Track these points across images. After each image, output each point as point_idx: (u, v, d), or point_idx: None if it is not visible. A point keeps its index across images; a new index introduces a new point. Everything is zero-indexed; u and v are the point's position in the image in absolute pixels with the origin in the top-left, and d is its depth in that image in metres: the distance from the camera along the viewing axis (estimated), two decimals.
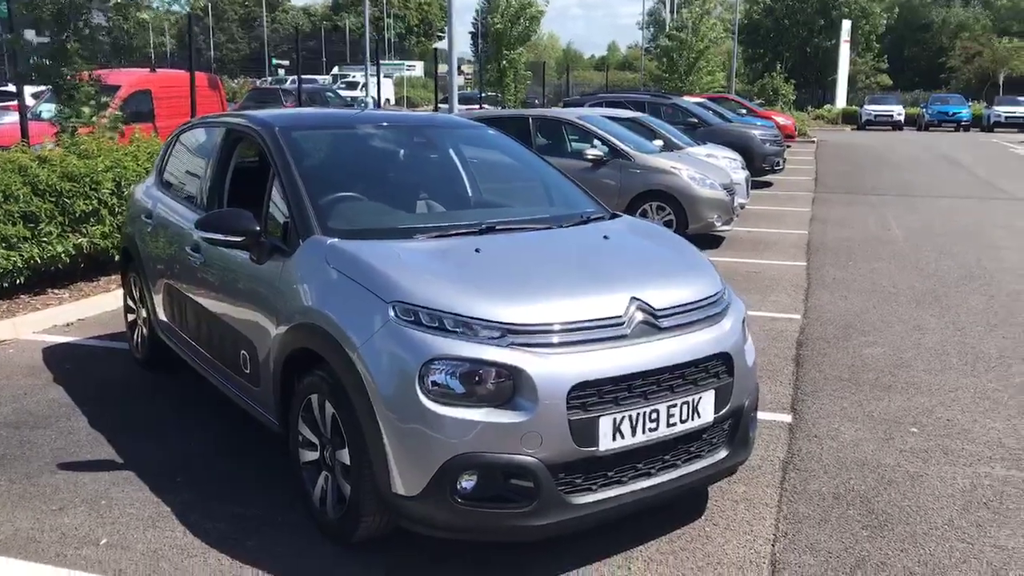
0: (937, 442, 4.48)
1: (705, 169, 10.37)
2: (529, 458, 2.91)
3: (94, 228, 7.19)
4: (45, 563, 3.28)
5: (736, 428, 3.46)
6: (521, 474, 2.93)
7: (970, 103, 42.79)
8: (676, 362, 3.18)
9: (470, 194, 4.65)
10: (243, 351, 3.92)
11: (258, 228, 3.74)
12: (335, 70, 58.55)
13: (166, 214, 4.97)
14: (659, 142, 11.37)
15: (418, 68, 66.27)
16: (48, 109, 10.25)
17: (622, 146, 10.22)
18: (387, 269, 3.25)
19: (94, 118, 9.00)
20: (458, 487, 2.93)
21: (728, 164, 11.87)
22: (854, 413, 4.88)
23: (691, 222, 9.75)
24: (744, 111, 23.14)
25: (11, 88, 13.47)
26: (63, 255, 6.90)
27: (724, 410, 3.35)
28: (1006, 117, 38.81)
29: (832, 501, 3.83)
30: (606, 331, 3.10)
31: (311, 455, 3.46)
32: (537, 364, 2.94)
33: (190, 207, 4.71)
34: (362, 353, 3.05)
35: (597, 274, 3.46)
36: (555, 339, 3.02)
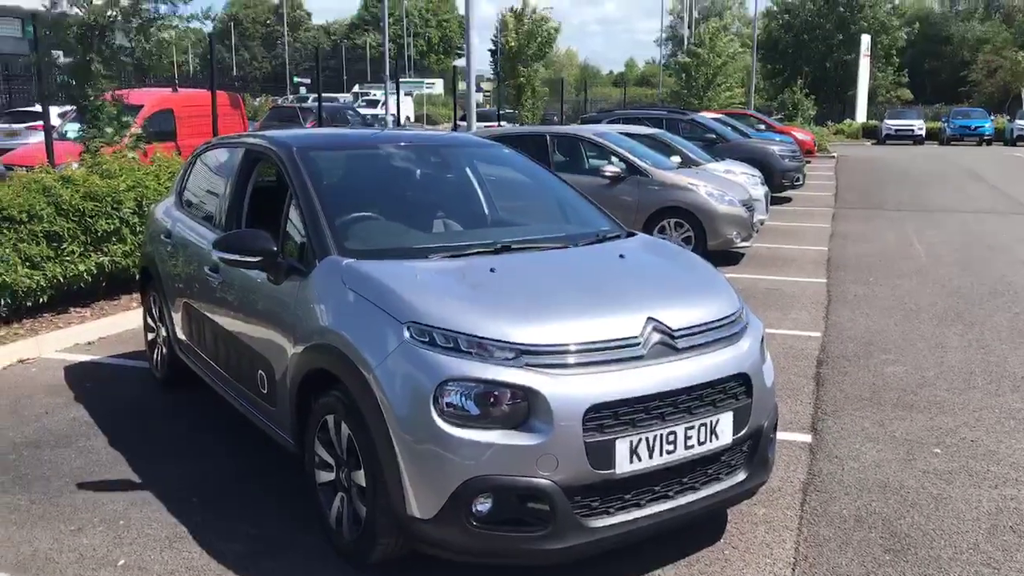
0: (961, 463, 4.41)
1: (724, 185, 10.34)
2: (545, 481, 2.89)
3: (116, 247, 7.27)
4: None
5: (755, 449, 3.42)
6: (537, 497, 2.91)
7: (992, 117, 42.41)
8: (694, 383, 3.15)
9: (486, 213, 4.65)
10: (260, 371, 3.93)
11: (275, 248, 3.75)
12: (355, 88, 59.03)
13: (185, 234, 5.01)
14: (677, 158, 11.35)
15: (438, 86, 66.63)
16: (73, 129, 10.40)
17: (639, 163, 10.22)
18: (402, 290, 3.25)
19: (117, 137, 9.12)
20: (473, 510, 2.91)
21: (747, 180, 11.83)
22: (876, 433, 4.81)
23: (710, 239, 9.71)
24: (763, 126, 23.08)
25: (38, 108, 13.67)
26: (85, 274, 6.98)
27: (743, 431, 3.31)
28: None
29: (854, 524, 3.77)
30: (622, 352, 3.08)
31: (327, 476, 3.46)
32: (552, 385, 2.92)
33: (209, 227, 4.74)
34: (377, 374, 3.05)
35: (613, 294, 3.44)
36: (571, 360, 3.01)
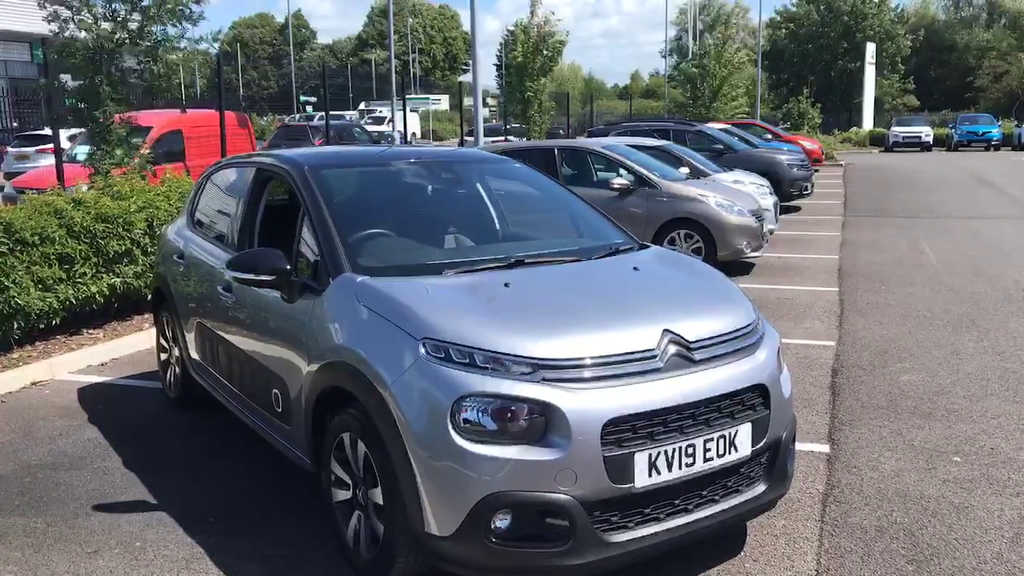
0: (981, 471, 4.36)
1: (733, 195, 10.32)
2: (564, 496, 2.87)
3: (127, 268, 7.30)
4: None
5: (774, 461, 3.40)
6: (556, 512, 2.89)
7: (1000, 122, 42.32)
8: (711, 395, 3.13)
9: (498, 228, 4.65)
10: (275, 390, 3.92)
11: (288, 267, 3.76)
12: (362, 105, 59.30)
13: (198, 254, 5.02)
14: (685, 169, 11.35)
15: (444, 102, 66.94)
16: (83, 152, 10.47)
17: (648, 174, 10.21)
18: (417, 306, 3.25)
19: (126, 159, 9.17)
20: (492, 526, 2.89)
21: (756, 190, 11.81)
22: (894, 442, 4.77)
23: (720, 249, 9.69)
24: (769, 136, 23.08)
25: (47, 132, 13.79)
26: (97, 295, 7.01)
27: (761, 443, 3.29)
28: None
29: (875, 534, 3.73)
30: (639, 365, 3.06)
31: (344, 494, 3.44)
32: (570, 400, 2.91)
33: (221, 247, 4.75)
34: (393, 391, 3.04)
35: (628, 307, 3.43)
36: (587, 374, 2.99)
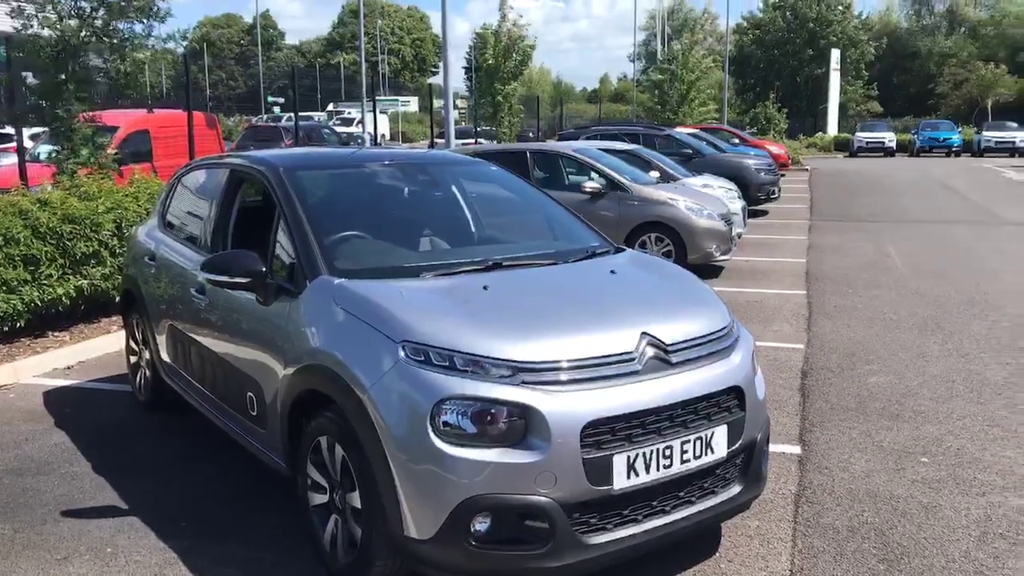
0: (949, 472, 4.45)
1: (702, 199, 10.42)
2: (543, 498, 2.88)
3: (95, 269, 7.18)
4: None
5: (749, 462, 3.43)
6: (536, 515, 2.89)
7: (960, 129, 43.18)
8: (688, 397, 3.16)
9: (474, 230, 4.65)
10: (249, 393, 3.89)
11: (264, 269, 3.73)
12: (330, 107, 58.92)
13: (169, 256, 4.96)
14: (655, 173, 11.43)
15: (413, 103, 66.69)
16: (46, 151, 10.29)
17: (619, 178, 10.28)
18: (396, 309, 3.24)
19: (92, 159, 9.02)
20: (472, 529, 2.89)
21: (724, 194, 11.93)
22: (863, 443, 4.85)
23: (690, 253, 9.77)
24: (737, 141, 23.32)
25: (9, 130, 13.52)
26: (64, 297, 6.88)
27: (737, 444, 3.32)
28: (996, 142, 39.14)
29: (847, 534, 3.79)
30: (618, 367, 3.08)
31: (320, 498, 3.42)
32: (549, 402, 2.92)
33: (194, 249, 4.70)
34: (372, 394, 3.03)
35: (607, 310, 3.45)
36: (567, 376, 3.00)
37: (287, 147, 16.90)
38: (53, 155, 9.15)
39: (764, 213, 16.83)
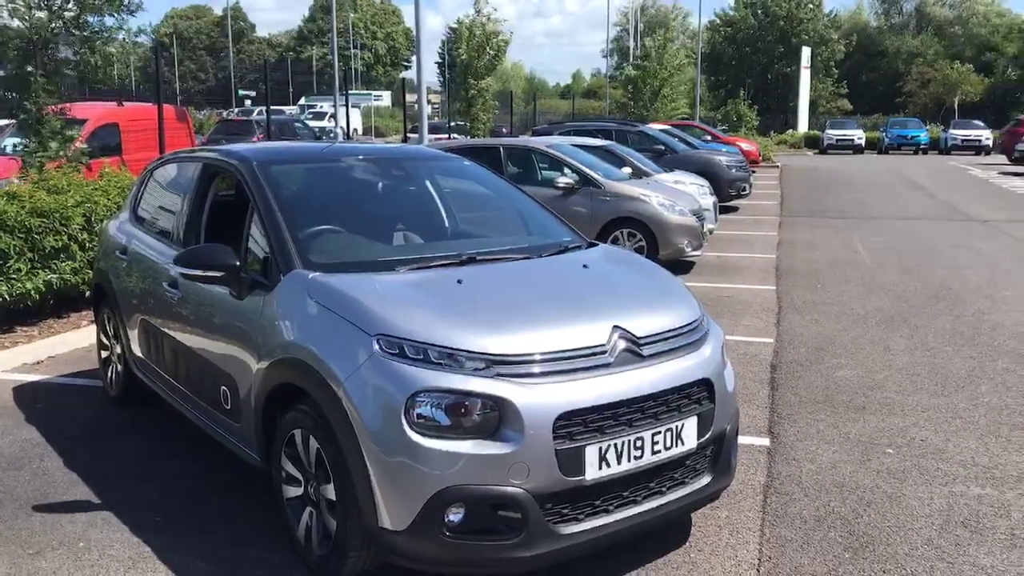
0: (913, 462, 4.55)
1: (674, 195, 10.51)
2: (516, 489, 2.92)
3: (64, 264, 7.10)
4: None
5: (719, 454, 3.50)
6: (509, 505, 2.93)
7: (927, 127, 43.83)
8: (659, 389, 3.21)
9: (447, 225, 4.68)
10: (223, 387, 3.89)
11: (237, 263, 3.73)
12: (302, 100, 58.53)
13: (142, 250, 4.93)
14: (628, 169, 11.50)
15: (386, 98, 66.48)
16: (12, 144, 10.14)
17: (592, 174, 10.34)
18: (370, 302, 3.26)
19: (61, 152, 8.91)
20: (446, 520, 2.93)
21: (696, 190, 12.03)
22: (830, 435, 4.94)
23: (662, 248, 9.86)
24: (708, 137, 23.51)
25: None
26: (32, 292, 6.81)
27: (707, 436, 3.38)
28: (963, 140, 39.81)
29: (814, 524, 3.87)
30: (590, 360, 3.13)
31: (295, 491, 3.44)
32: (522, 394, 2.96)
33: (166, 243, 4.68)
34: (347, 387, 3.05)
35: (579, 303, 3.49)
36: (540, 369, 3.04)
37: (258, 141, 16.79)
38: (20, 148, 9.03)
39: (735, 209, 16.99)
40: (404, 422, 2.93)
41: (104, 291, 5.43)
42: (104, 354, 5.63)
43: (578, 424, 3.01)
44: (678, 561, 3.54)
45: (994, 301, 8.49)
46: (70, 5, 8.85)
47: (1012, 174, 26.79)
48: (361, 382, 3.03)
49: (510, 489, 2.92)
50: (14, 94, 8.86)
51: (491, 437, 2.94)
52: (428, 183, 4.84)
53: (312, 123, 32.54)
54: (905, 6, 73.05)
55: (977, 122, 42.13)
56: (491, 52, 19.86)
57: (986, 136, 39.42)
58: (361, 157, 4.87)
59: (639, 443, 3.13)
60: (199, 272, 3.76)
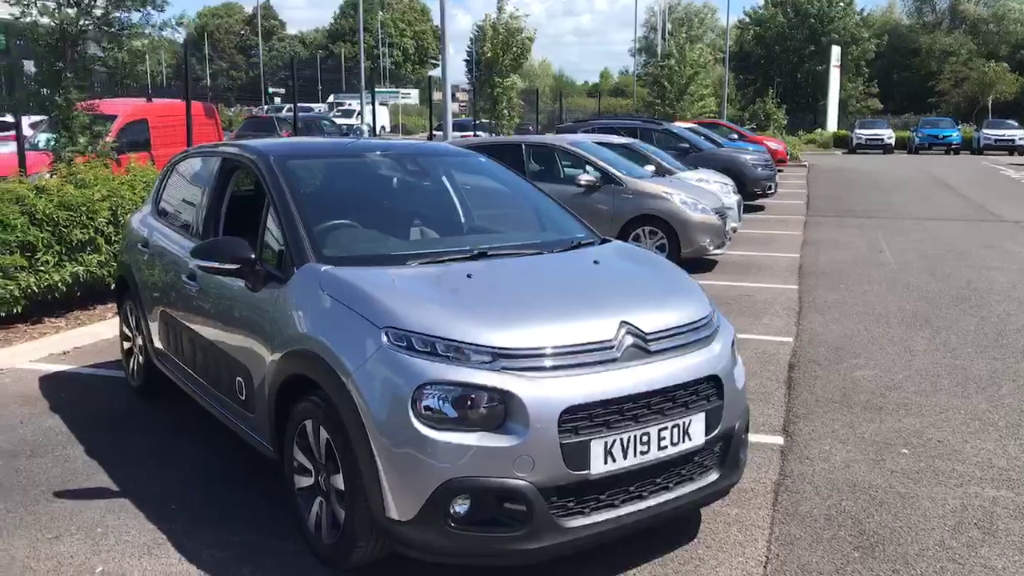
0: (928, 463, 4.51)
1: (697, 194, 10.47)
2: (522, 482, 2.94)
3: (91, 257, 7.24)
4: None
5: (727, 450, 3.50)
6: (514, 498, 2.96)
7: (960, 126, 43.21)
8: (666, 385, 3.22)
9: (462, 220, 4.71)
10: (238, 378, 3.95)
11: (253, 256, 3.79)
12: (331, 98, 58.91)
13: (162, 243, 5.02)
14: (651, 167, 11.48)
15: (413, 95, 66.67)
16: (45, 139, 10.33)
17: (614, 171, 10.33)
18: (380, 295, 3.30)
19: (90, 147, 9.07)
20: (451, 511, 2.96)
21: (720, 188, 11.97)
22: (845, 435, 4.91)
23: (684, 246, 9.83)
24: (735, 136, 23.34)
25: (9, 118, 13.55)
26: (60, 284, 6.95)
27: (715, 432, 3.38)
28: (996, 140, 39.24)
29: (824, 523, 3.85)
30: (597, 355, 3.14)
31: (306, 481, 3.49)
32: (529, 388, 2.98)
33: (186, 236, 4.76)
34: (356, 379, 3.09)
35: (587, 298, 3.51)
36: (546, 363, 3.06)
37: (284, 137, 16.94)
38: (52, 143, 9.19)
39: (761, 208, 16.87)
40: (411, 414, 2.96)
41: (127, 283, 5.53)
42: (127, 345, 5.73)
43: (584, 418, 3.03)
44: (685, 557, 3.55)
45: (1021, 303, 8.38)
46: (98, 2, 8.98)
47: None
48: (369, 374, 3.07)
49: (515, 482, 2.94)
50: (45, 90, 9.02)
51: (497, 430, 2.96)
52: (444, 179, 4.87)
53: (340, 120, 32.79)
54: (938, 4, 72.00)
55: (1011, 122, 41.48)
56: (515, 50, 19.83)
57: (1020, 136, 38.83)
58: (378, 153, 4.92)
59: (645, 438, 3.14)
60: (215, 264, 3.83)
